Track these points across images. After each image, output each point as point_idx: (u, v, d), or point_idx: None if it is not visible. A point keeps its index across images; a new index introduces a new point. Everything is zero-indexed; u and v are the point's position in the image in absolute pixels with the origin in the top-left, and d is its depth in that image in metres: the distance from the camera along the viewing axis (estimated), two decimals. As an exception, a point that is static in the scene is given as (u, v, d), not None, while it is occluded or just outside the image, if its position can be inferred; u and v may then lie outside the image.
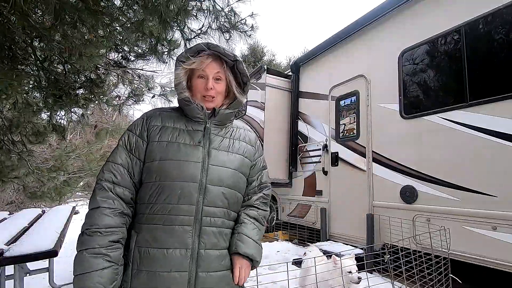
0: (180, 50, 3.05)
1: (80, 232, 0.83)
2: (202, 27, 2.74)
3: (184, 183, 0.86)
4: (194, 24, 2.77)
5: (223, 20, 2.75)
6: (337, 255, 2.04)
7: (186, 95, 0.94)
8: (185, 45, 2.83)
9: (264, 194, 1.08)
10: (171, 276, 0.82)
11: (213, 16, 2.68)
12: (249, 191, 1.05)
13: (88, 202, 0.88)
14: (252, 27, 2.95)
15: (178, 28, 2.62)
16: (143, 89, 4.29)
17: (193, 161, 0.88)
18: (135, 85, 4.20)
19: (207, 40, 2.84)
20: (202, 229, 0.87)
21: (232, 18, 2.78)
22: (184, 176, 0.86)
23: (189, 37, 2.78)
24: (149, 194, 0.86)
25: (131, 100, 4.37)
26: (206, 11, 2.63)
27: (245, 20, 2.89)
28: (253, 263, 0.96)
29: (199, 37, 2.81)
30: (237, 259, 0.93)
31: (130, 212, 0.89)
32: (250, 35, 2.96)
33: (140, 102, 4.40)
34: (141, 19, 2.35)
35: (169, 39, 2.85)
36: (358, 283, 1.90)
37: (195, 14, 2.60)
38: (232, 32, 2.84)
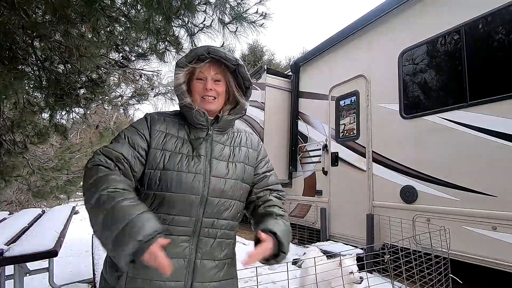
0: (185, 46, 2.84)
1: (87, 203, 0.74)
2: (204, 21, 2.52)
3: (185, 196, 0.85)
4: (198, 20, 2.55)
5: (228, 12, 2.48)
6: (337, 255, 2.04)
7: (188, 101, 0.93)
8: (190, 41, 2.65)
9: (277, 194, 1.03)
10: (167, 285, 0.81)
11: (217, 11, 2.44)
12: (258, 192, 1.02)
13: (83, 185, 0.79)
14: (264, 15, 2.46)
15: (182, 24, 2.50)
16: (146, 89, 4.30)
17: (195, 173, 0.87)
18: (139, 84, 4.20)
19: (212, 34, 2.60)
20: (199, 240, 0.86)
21: (239, 8, 2.44)
22: (185, 188, 0.85)
23: (194, 32, 2.61)
24: (149, 203, 0.85)
25: (134, 100, 4.37)
26: (212, 5, 2.42)
27: (257, 9, 2.44)
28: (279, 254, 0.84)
29: (202, 31, 2.61)
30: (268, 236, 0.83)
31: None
32: (262, 24, 2.49)
33: (142, 102, 4.40)
34: (146, 18, 2.29)
35: (176, 35, 2.71)
36: (360, 283, 1.90)
37: (203, 10, 2.43)
38: (239, 23, 2.49)
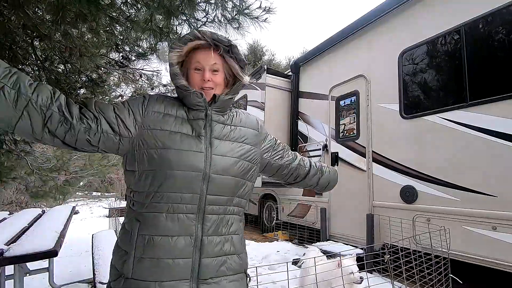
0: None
1: None
2: (207, 15, 2.51)
3: (188, 173, 0.85)
4: (200, 14, 2.52)
5: (231, 9, 2.47)
6: (337, 255, 2.04)
7: (182, 82, 0.92)
8: None
9: (302, 160, 1.23)
10: (175, 263, 0.82)
11: (219, 5, 2.43)
12: (289, 169, 1.17)
13: None
14: (267, 9, 2.43)
15: (185, 19, 2.50)
16: (146, 89, 4.30)
17: (196, 151, 0.88)
18: (140, 84, 4.20)
19: (214, 29, 2.61)
20: (205, 217, 0.88)
21: (242, 4, 2.43)
22: (187, 166, 0.85)
23: (196, 27, 2.60)
24: (150, 182, 0.85)
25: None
26: (212, 4, 2.41)
27: (260, 3, 2.41)
28: None
29: (205, 25, 2.61)
30: None
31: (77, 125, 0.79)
32: (266, 19, 2.46)
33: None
34: (149, 15, 2.28)
35: (178, 32, 2.71)
36: (360, 283, 1.90)
37: (204, 8, 2.45)
38: (241, 18, 2.45)
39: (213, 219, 0.89)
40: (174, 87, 0.97)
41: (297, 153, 1.24)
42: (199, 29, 0.97)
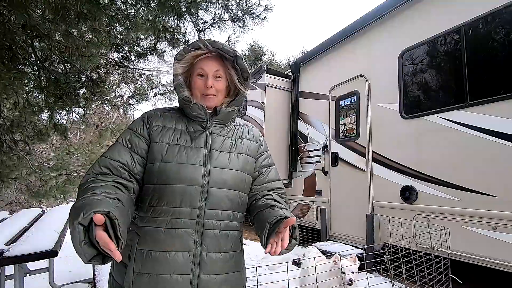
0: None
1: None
2: (214, 17, 2.64)
3: (186, 187, 0.84)
4: (206, 15, 2.67)
5: (234, 9, 2.62)
6: (333, 254, 2.04)
7: (186, 94, 0.92)
8: (199, 36, 2.75)
9: (278, 192, 1.01)
10: (173, 279, 0.81)
11: (223, 7, 2.55)
12: (258, 188, 0.99)
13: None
14: (266, 8, 2.70)
15: (191, 20, 2.56)
16: (146, 89, 4.30)
17: (195, 164, 0.86)
18: (139, 84, 4.21)
19: (221, 29, 2.75)
20: (204, 232, 0.86)
21: (244, 4, 2.61)
22: (186, 180, 0.84)
23: (202, 28, 2.69)
24: (150, 196, 0.85)
25: (134, 100, 4.38)
26: (215, 3, 2.52)
27: (259, 2, 2.65)
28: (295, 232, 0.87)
29: (212, 26, 2.71)
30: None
31: (133, 187, 0.84)
32: (264, 17, 2.73)
33: (142, 102, 4.40)
34: (154, 16, 2.32)
35: (183, 31, 2.76)
36: (350, 285, 1.88)
37: (205, 8, 2.52)
38: (245, 18, 2.66)
39: (213, 234, 0.87)
40: (173, 87, 0.97)
41: (279, 193, 1.02)
42: (202, 39, 0.95)
